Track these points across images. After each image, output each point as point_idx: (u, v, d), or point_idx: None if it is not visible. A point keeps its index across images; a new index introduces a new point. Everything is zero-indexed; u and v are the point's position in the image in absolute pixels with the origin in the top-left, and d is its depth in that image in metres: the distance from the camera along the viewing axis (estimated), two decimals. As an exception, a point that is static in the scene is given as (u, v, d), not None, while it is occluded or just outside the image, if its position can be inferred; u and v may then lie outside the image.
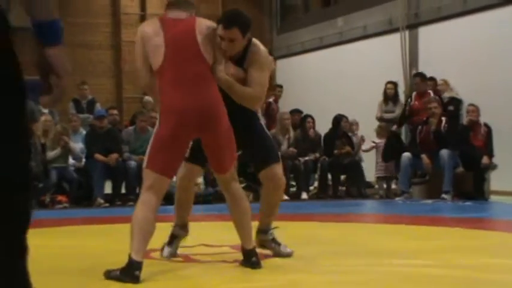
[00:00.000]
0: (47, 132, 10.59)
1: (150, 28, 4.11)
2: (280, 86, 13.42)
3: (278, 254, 4.60)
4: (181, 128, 3.97)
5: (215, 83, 4.08)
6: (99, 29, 14.72)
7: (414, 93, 11.34)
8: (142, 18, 14.76)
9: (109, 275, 3.82)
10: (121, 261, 3.80)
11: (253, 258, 4.14)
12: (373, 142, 11.41)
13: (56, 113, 11.95)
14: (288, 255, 4.60)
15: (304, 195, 10.95)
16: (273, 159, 4.49)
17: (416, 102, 11.10)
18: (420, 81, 11.25)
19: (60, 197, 10.03)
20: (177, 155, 4.07)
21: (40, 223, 7.69)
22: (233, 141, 4.14)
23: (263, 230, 4.64)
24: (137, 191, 9.49)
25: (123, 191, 10.31)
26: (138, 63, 4.12)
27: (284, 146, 11.02)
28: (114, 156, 10.06)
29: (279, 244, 4.64)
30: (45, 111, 11.59)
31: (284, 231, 4.84)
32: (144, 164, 4.04)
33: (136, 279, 3.73)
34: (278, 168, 4.50)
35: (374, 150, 11.39)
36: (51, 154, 10.25)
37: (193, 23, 4.10)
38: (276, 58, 15.39)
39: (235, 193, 4.21)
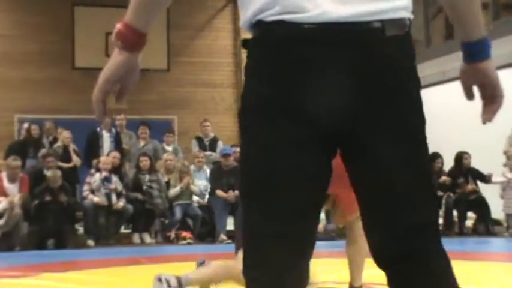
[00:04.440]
0: (170, 170, 10.89)
1: None
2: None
3: None
4: None
5: None
6: (220, 68, 15.06)
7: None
8: (263, 56, 14.96)
9: None
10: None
11: None
12: (504, 176, 10.97)
13: (180, 150, 12.26)
14: None
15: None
16: None
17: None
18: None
19: (184, 233, 10.24)
20: None
21: (166, 259, 7.89)
22: None
23: None
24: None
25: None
26: None
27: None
28: (234, 193, 10.16)
29: None
30: (169, 149, 11.92)
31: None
32: None
33: None
34: None
35: (497, 187, 10.97)
36: (172, 192, 10.53)
37: None
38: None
39: (355, 232, 4.20)
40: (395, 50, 1.60)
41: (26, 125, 11.87)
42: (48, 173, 9.92)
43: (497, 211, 11.10)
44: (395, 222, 1.58)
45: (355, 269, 4.19)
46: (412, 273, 1.57)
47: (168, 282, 4.13)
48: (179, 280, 4.15)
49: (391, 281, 1.63)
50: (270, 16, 1.57)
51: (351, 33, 1.53)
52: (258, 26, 1.61)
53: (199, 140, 12.13)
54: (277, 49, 1.56)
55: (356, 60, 1.54)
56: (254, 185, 1.59)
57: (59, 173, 10.02)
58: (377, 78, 1.56)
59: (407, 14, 1.63)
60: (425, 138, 1.63)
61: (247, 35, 1.65)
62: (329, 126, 1.54)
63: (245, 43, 1.66)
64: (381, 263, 1.64)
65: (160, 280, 4.16)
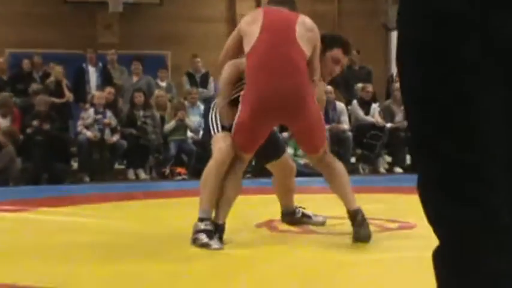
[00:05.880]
0: (162, 106, 10.89)
1: (250, 17, 4.23)
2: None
3: (314, 224, 4.80)
4: (263, 114, 4.01)
5: (305, 71, 4.06)
6: (214, 2, 14.89)
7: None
8: (257, -10, 14.81)
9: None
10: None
11: (359, 217, 4.09)
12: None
13: (174, 86, 12.21)
14: (322, 223, 4.79)
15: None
16: (280, 152, 4.61)
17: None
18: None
19: (179, 169, 10.30)
20: (257, 137, 4.14)
21: (161, 194, 7.95)
22: (322, 121, 4.20)
23: (290, 212, 4.79)
24: (253, 163, 9.58)
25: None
26: (227, 47, 4.27)
27: (398, 117, 10.86)
28: (226, 128, 10.20)
29: (310, 216, 4.80)
30: (163, 84, 11.88)
31: (402, 204, 4.77)
32: (232, 132, 4.16)
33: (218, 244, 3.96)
34: (289, 157, 4.75)
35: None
36: (167, 127, 10.54)
37: (296, 16, 4.20)
38: (390, 29, 15.09)
39: (329, 165, 4.24)
40: None
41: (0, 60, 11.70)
42: (36, 98, 9.97)
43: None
44: None
45: (347, 192, 4.14)
46: None
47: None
48: (205, 229, 4.05)
49: None
50: None
51: None
52: None
53: (190, 75, 12.04)
54: None
55: None
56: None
57: (48, 98, 10.05)
58: None
59: None
60: None
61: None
62: None
63: None
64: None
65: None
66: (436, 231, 1.32)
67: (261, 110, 3.99)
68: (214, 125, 4.29)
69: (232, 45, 4.22)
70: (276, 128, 4.86)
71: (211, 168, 4.17)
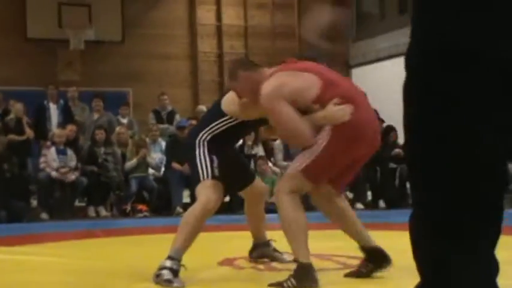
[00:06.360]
0: (123, 143, 10.85)
1: (286, 82, 3.94)
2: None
3: (281, 262, 4.72)
4: (358, 144, 3.90)
5: None
6: (176, 40, 14.95)
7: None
8: (219, 28, 14.92)
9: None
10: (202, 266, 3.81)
11: (384, 253, 4.02)
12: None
13: (135, 123, 12.19)
14: (289, 261, 4.55)
15: (382, 204, 10.86)
16: (254, 176, 4.67)
17: None
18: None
19: (140, 206, 10.23)
20: (338, 169, 3.99)
21: (122, 232, 7.88)
22: None
23: (263, 243, 4.76)
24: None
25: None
26: (295, 121, 3.83)
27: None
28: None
29: (281, 252, 4.75)
30: (124, 121, 11.84)
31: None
32: (300, 168, 3.87)
33: (316, 282, 3.75)
34: (260, 183, 4.74)
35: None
36: (128, 165, 10.49)
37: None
38: (351, 66, 15.30)
39: (344, 204, 4.17)
40: None
41: None
42: None
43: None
44: None
45: (360, 227, 4.10)
46: None
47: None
48: (171, 267, 3.97)
49: None
50: None
51: None
52: None
53: (156, 113, 12.10)
54: None
55: None
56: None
57: (3, 138, 9.93)
58: None
59: None
60: None
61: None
62: None
63: None
64: None
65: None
66: (421, 268, 1.31)
67: (358, 139, 3.88)
68: (204, 169, 4.15)
69: (291, 111, 3.81)
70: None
71: (197, 212, 4.08)
